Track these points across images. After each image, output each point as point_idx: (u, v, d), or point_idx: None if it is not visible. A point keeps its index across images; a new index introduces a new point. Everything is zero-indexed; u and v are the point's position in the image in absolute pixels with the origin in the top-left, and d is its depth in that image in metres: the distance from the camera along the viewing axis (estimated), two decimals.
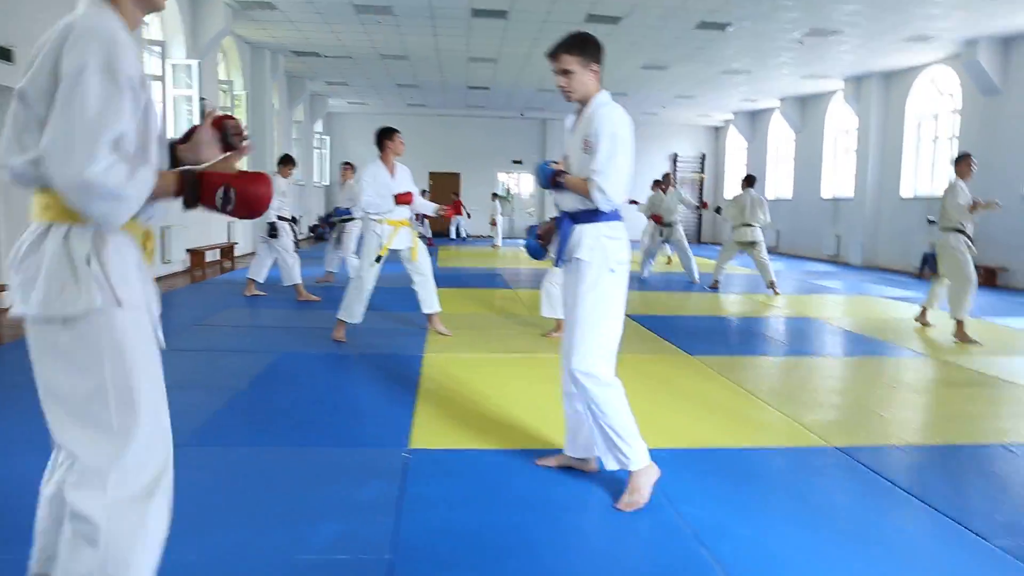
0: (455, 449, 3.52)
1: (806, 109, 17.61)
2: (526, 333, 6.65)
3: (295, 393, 4.48)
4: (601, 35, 11.73)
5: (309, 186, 18.58)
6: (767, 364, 5.74)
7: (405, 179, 6.12)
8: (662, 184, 11.43)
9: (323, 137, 20.47)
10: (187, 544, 2.50)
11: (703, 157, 23.23)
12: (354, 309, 5.99)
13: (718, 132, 23.18)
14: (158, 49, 10.07)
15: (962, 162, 6.98)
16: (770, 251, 18.46)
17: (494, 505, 2.91)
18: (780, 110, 18.07)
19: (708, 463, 3.48)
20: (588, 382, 2.93)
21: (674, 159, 22.97)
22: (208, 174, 1.78)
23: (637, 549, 2.58)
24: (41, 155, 1.61)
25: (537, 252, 3.40)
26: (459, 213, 18.73)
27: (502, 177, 23.23)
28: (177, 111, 10.33)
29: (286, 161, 8.37)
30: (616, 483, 3.11)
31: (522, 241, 20.55)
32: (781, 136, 19.48)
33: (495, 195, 20.33)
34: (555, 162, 3.10)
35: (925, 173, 14.04)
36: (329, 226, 10.45)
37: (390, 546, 2.52)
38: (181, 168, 1.83)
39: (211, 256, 11.51)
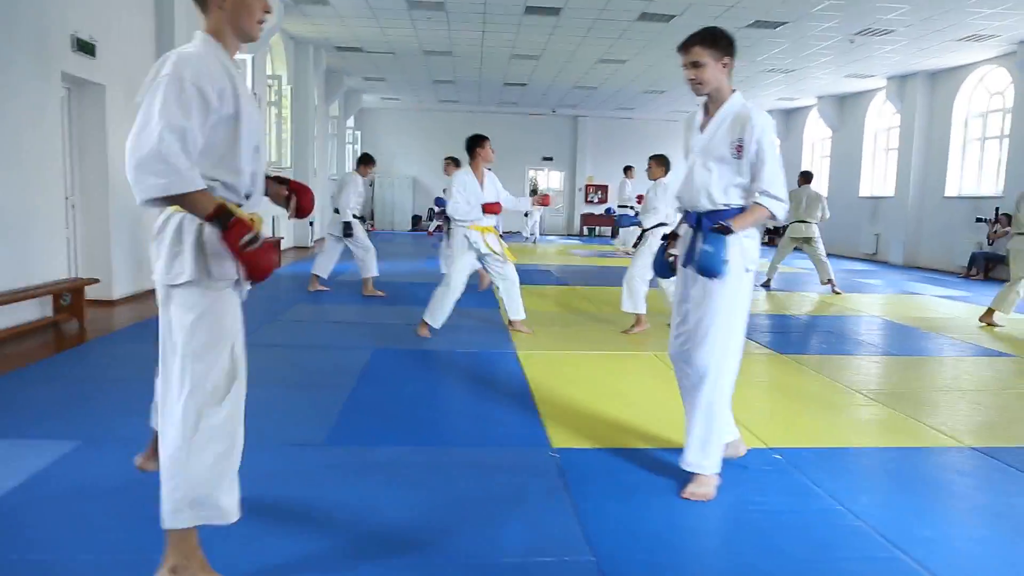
0: (598, 448, 3.50)
1: (844, 107, 17.49)
2: (605, 330, 6.62)
3: (408, 391, 4.46)
4: (653, 33, 11.54)
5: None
6: (861, 363, 5.69)
7: (493, 187, 6.12)
8: None
9: (355, 132, 20.48)
10: (387, 548, 2.50)
11: None
12: (439, 314, 5.99)
13: None
14: None
15: None
16: None
17: (665, 505, 2.89)
18: (817, 108, 17.95)
19: (854, 463, 3.47)
20: (713, 376, 2.98)
21: None
22: (242, 223, 2.03)
23: (833, 553, 2.56)
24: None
25: (656, 266, 3.38)
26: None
27: (532, 174, 23.18)
28: None
29: (366, 160, 8.39)
30: (783, 485, 3.12)
31: (552, 238, 20.49)
32: (817, 134, 19.37)
33: (533, 191, 20.35)
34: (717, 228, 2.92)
35: (972, 172, 13.93)
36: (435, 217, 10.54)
37: (589, 548, 2.51)
38: (227, 203, 2.06)
39: None
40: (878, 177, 16.61)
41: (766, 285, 10.26)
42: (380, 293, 8.25)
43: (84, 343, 5.57)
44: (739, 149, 2.88)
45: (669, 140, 22.51)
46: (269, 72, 12.77)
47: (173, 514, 2.07)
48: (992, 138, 13.51)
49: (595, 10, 10.93)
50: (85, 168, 6.85)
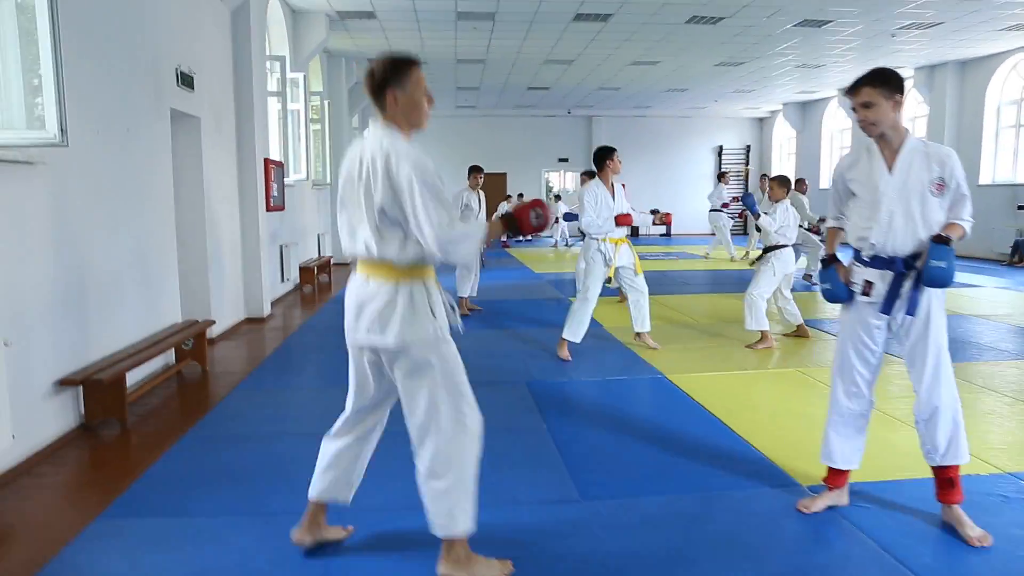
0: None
1: None
2: (729, 345, 6.57)
3: (604, 429, 4.35)
4: (697, 35, 11.60)
5: None
6: (997, 369, 5.67)
7: (622, 198, 6.08)
8: (801, 186, 11.34)
9: None
10: None
11: (748, 149, 23.22)
12: (579, 328, 5.96)
13: (763, 123, 23.18)
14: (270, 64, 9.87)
15: None
16: None
17: (980, 554, 2.84)
18: (838, 99, 18.06)
19: None
20: (954, 404, 3.01)
21: (719, 151, 22.94)
22: (518, 209, 2.60)
23: None
24: (414, 239, 2.43)
25: (843, 295, 3.14)
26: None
27: (547, 176, 23.12)
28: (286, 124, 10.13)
29: (475, 170, 8.36)
30: None
31: (572, 240, 20.27)
32: (836, 125, 19.48)
33: (556, 196, 20.28)
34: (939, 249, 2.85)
35: (1007, 159, 14.08)
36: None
37: None
38: (498, 216, 2.69)
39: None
40: None
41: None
42: (477, 308, 8.20)
43: (222, 400, 5.30)
44: (940, 187, 2.91)
45: (684, 136, 22.60)
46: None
47: (453, 521, 2.56)
48: None
49: (645, 15, 10.88)
50: (183, 203, 6.67)
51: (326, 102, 13.06)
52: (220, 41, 7.45)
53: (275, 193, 8.57)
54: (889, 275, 3.00)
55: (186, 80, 6.29)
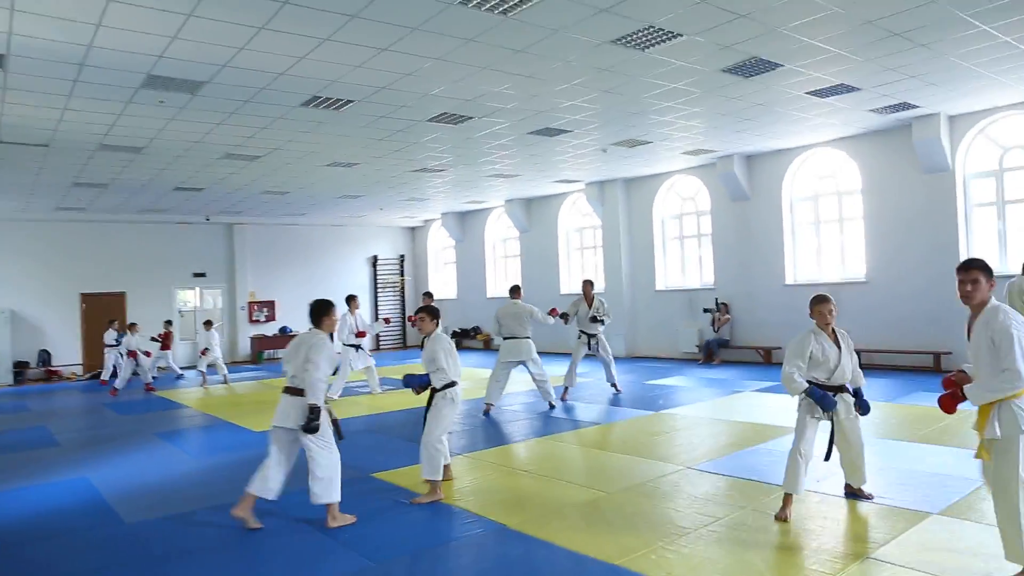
0: None
1: (532, 209, 18.12)
2: (742, 518, 4.94)
3: None
4: (438, 131, 10.13)
5: None
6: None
7: None
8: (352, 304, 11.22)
9: None
10: None
11: (402, 258, 22.26)
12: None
13: (415, 232, 22.55)
14: None
15: None
16: None
17: None
18: (505, 209, 18.29)
19: None
20: None
21: (374, 262, 21.52)
22: None
23: None
24: None
25: None
26: (168, 347, 14.68)
27: (183, 295, 18.78)
28: None
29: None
30: None
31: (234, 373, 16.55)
32: (500, 234, 19.70)
33: (168, 321, 15.74)
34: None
35: (676, 267, 15.51)
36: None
37: None
38: None
39: None
40: (576, 274, 17.40)
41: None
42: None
43: None
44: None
45: (337, 246, 20.81)
46: None
47: None
48: (690, 237, 15.29)
49: (390, 107, 9.13)
50: None
51: None
52: None
53: None
54: None
55: None
